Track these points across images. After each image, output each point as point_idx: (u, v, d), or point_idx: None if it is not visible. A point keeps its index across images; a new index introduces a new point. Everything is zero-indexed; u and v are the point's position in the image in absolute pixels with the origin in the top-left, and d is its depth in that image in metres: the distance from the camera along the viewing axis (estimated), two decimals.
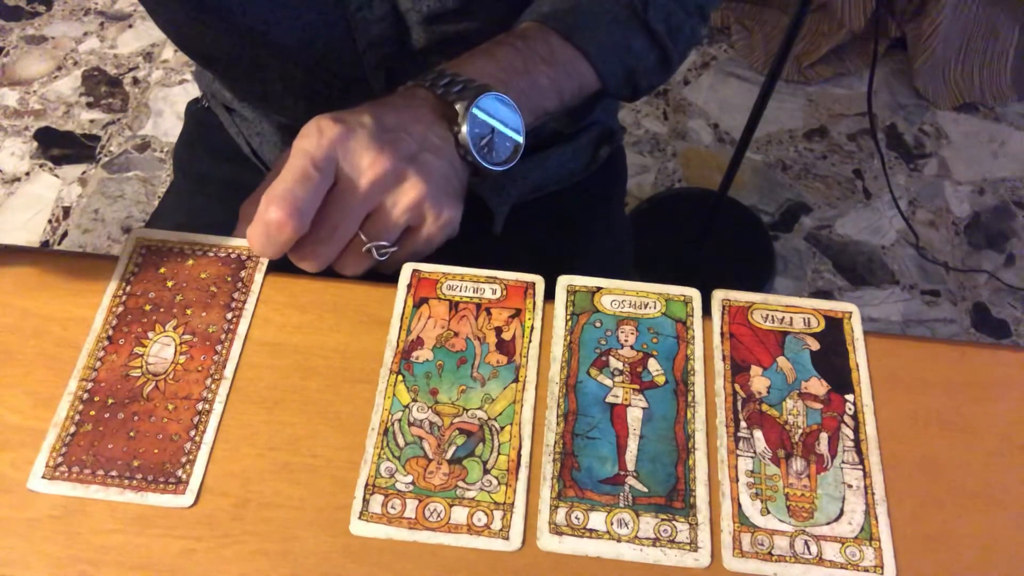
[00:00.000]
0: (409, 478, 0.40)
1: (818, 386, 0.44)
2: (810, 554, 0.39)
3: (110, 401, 0.42)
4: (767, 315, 0.46)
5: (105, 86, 1.65)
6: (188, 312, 0.45)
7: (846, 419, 0.43)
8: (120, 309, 0.45)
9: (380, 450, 0.41)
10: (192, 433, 0.42)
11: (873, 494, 0.41)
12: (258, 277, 0.47)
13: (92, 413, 0.42)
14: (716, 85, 1.67)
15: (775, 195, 1.53)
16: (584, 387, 0.43)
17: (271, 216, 0.42)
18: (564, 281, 0.47)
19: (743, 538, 0.39)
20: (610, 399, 0.43)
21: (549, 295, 0.46)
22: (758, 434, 0.42)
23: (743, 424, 0.42)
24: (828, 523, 0.40)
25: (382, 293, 0.46)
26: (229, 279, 0.46)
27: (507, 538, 0.39)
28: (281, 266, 0.46)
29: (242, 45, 0.56)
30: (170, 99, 1.64)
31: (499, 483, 0.40)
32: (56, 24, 1.74)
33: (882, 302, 1.42)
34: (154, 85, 1.66)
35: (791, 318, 0.46)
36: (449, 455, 0.41)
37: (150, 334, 0.44)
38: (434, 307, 0.46)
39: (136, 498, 0.40)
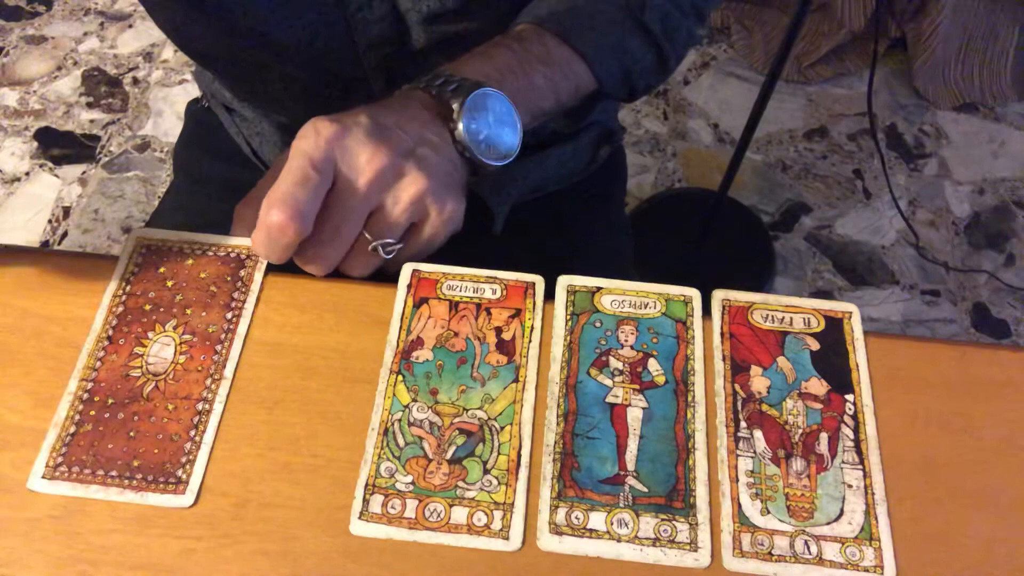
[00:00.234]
0: (409, 478, 0.40)
1: (818, 386, 0.44)
2: (810, 554, 0.39)
3: (110, 401, 0.42)
4: (767, 315, 0.46)
5: (105, 86, 1.65)
6: (188, 312, 0.45)
7: (846, 419, 0.43)
8: (120, 309, 0.45)
9: (380, 450, 0.41)
10: (192, 433, 0.42)
11: (873, 494, 0.41)
12: (258, 276, 0.47)
13: (92, 413, 0.42)
14: (716, 85, 1.67)
15: (775, 195, 1.53)
16: (584, 387, 0.43)
17: (272, 219, 0.42)
18: (564, 281, 0.47)
19: (743, 538, 0.39)
20: (610, 399, 0.43)
21: (549, 295, 0.46)
22: (758, 434, 0.42)
23: (743, 424, 0.42)
24: (828, 523, 0.40)
25: (382, 293, 0.46)
26: (229, 279, 0.46)
27: (507, 538, 0.39)
28: (282, 266, 0.46)
29: (242, 45, 0.56)
30: (170, 99, 1.64)
31: (499, 483, 0.40)
32: (56, 24, 1.74)
33: (882, 302, 1.42)
34: (154, 85, 1.66)
35: (791, 318, 0.46)
36: (449, 455, 0.41)
37: (150, 334, 0.44)
38: (434, 307, 0.46)
39: (136, 498, 0.40)
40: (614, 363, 0.44)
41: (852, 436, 0.42)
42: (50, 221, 1.47)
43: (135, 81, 1.66)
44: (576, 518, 0.40)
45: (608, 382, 0.43)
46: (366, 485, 0.40)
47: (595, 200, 0.74)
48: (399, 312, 0.46)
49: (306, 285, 0.47)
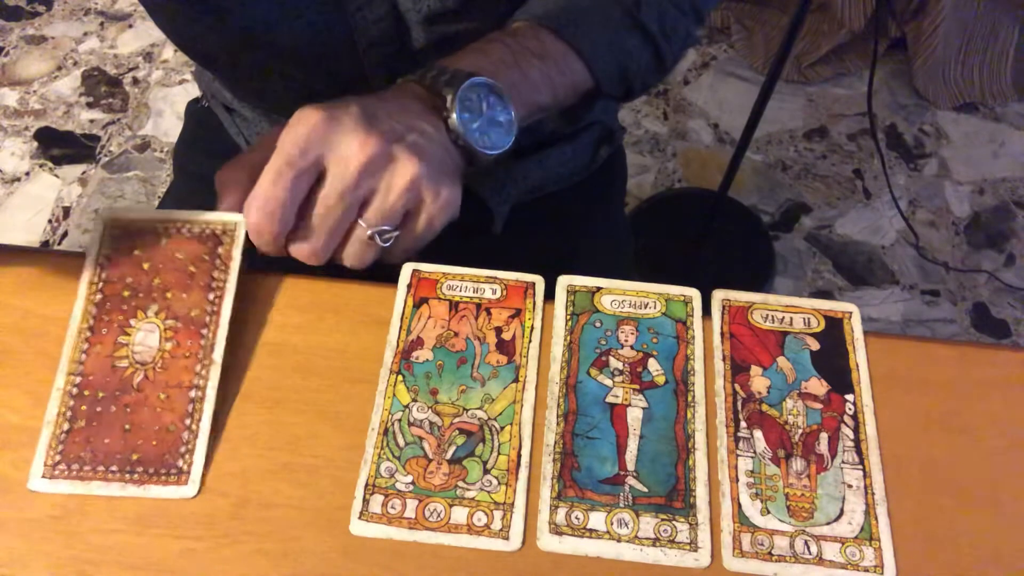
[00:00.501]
0: (409, 478, 0.40)
1: (818, 386, 0.44)
2: (810, 554, 0.39)
3: (100, 394, 0.42)
4: (767, 315, 0.46)
5: (105, 86, 1.65)
6: (168, 296, 0.44)
7: (846, 419, 0.43)
8: (98, 297, 0.44)
9: (380, 450, 0.41)
10: (188, 422, 0.41)
11: (873, 494, 0.41)
12: (236, 253, 0.45)
13: (83, 408, 0.41)
14: (716, 85, 1.67)
15: (775, 195, 1.53)
16: (584, 387, 0.43)
17: (250, 220, 0.43)
18: (564, 281, 0.47)
19: (743, 538, 0.39)
20: (610, 399, 0.43)
21: (549, 295, 0.46)
22: (758, 434, 0.42)
23: (743, 424, 0.42)
24: (828, 523, 0.40)
25: (382, 293, 0.46)
26: (207, 257, 0.45)
27: (507, 538, 0.39)
28: (283, 266, 0.46)
29: (242, 45, 0.56)
30: (170, 99, 1.64)
31: (499, 483, 0.40)
32: (56, 24, 1.74)
33: (882, 302, 1.42)
34: (154, 85, 1.66)
35: (791, 318, 0.46)
36: (449, 455, 0.41)
37: (132, 321, 0.43)
38: (434, 307, 0.46)
39: (139, 491, 0.40)
40: (614, 363, 0.44)
41: (852, 436, 0.42)
42: (50, 221, 1.47)
43: (135, 81, 1.66)
44: (576, 518, 0.40)
45: (608, 382, 0.43)
46: (366, 485, 0.40)
47: (595, 200, 0.74)
48: (399, 312, 0.46)
49: (306, 285, 0.47)
